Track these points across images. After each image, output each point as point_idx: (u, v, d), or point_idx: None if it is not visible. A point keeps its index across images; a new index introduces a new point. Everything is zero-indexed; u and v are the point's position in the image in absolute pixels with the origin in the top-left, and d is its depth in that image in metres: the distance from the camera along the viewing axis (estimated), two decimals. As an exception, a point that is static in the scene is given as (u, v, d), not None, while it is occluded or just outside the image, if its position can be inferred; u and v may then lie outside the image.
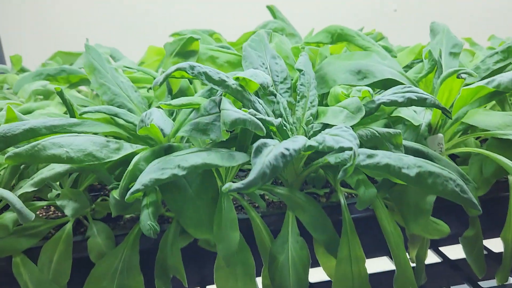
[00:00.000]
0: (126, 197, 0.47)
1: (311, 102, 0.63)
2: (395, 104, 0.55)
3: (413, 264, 0.65)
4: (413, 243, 0.64)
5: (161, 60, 0.97)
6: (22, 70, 1.01)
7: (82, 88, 0.94)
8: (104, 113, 0.59)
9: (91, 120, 0.59)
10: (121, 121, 0.63)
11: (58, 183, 0.61)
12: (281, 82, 0.66)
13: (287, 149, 0.47)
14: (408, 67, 0.84)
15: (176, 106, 0.58)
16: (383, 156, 0.50)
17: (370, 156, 0.50)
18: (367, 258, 0.57)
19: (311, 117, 0.62)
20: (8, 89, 0.94)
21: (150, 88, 0.79)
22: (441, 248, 0.77)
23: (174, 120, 0.64)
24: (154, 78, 0.77)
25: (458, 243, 0.69)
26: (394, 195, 0.60)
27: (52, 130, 0.55)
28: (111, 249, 0.56)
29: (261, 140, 0.48)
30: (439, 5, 1.96)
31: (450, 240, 0.72)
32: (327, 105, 0.67)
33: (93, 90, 0.87)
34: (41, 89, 0.80)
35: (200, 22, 1.53)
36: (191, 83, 0.75)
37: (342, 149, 0.47)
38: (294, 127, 0.62)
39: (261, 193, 0.68)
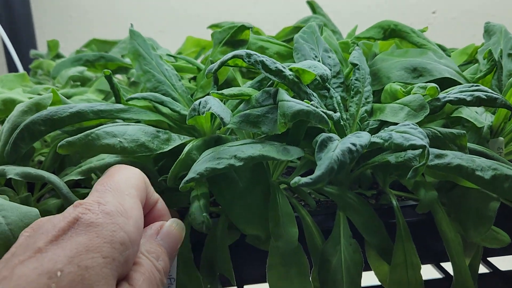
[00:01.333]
0: (181, 186, 0.44)
1: (365, 98, 0.60)
2: (462, 102, 0.52)
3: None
4: (466, 251, 0.61)
5: (197, 51, 0.95)
6: (58, 56, 0.99)
7: (118, 76, 0.92)
8: (151, 100, 0.57)
9: (137, 107, 0.56)
10: (164, 110, 0.61)
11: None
12: (334, 77, 0.63)
13: (354, 145, 0.44)
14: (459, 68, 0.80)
15: (227, 96, 0.55)
16: (453, 157, 0.46)
17: (439, 156, 0.47)
18: None
19: (365, 114, 0.59)
20: (41, 75, 0.92)
21: (192, 79, 0.77)
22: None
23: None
24: (197, 68, 0.74)
25: (508, 254, 0.65)
26: (452, 200, 0.56)
27: (99, 115, 0.53)
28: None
29: (325, 134, 0.45)
30: (478, 8, 1.90)
31: (501, 250, 0.68)
32: (380, 103, 0.64)
33: (130, 78, 0.85)
34: (78, 75, 0.78)
35: (234, 16, 1.51)
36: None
37: (413, 147, 0.44)
38: (348, 124, 0.59)
39: (308, 191, 0.65)
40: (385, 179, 0.62)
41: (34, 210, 0.42)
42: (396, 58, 0.67)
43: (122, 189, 0.38)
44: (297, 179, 0.39)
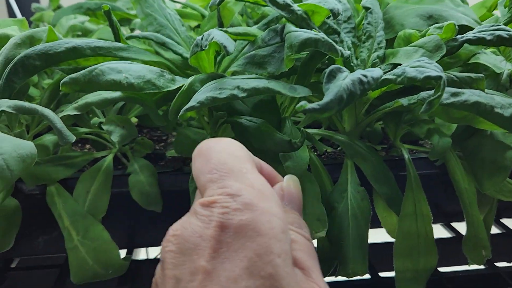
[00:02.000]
0: (180, 114, 0.42)
1: (378, 44, 0.57)
2: (482, 42, 0.48)
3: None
4: (481, 207, 0.58)
5: (206, 5, 0.92)
6: (59, 8, 0.96)
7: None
8: (152, 40, 0.54)
9: (137, 47, 0.54)
10: (166, 54, 0.58)
11: (101, 112, 0.56)
12: (345, 22, 0.60)
13: (365, 76, 0.41)
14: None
15: (232, 34, 0.52)
16: (471, 94, 0.43)
17: (455, 94, 0.44)
18: None
19: (377, 60, 0.56)
20: (44, 29, 0.89)
21: (197, 27, 0.74)
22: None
23: (223, 57, 0.58)
24: (202, 15, 0.72)
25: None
26: (467, 150, 0.53)
27: (97, 51, 0.50)
28: (155, 188, 0.52)
29: (334, 66, 0.42)
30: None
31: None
32: (393, 50, 0.61)
33: (133, 30, 0.82)
34: (80, 25, 0.76)
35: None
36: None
37: (428, 79, 0.41)
38: (359, 69, 0.56)
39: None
40: (396, 131, 0.60)
41: (29, 143, 0.39)
42: (410, 5, 0.63)
43: (238, 168, 0.32)
44: (303, 103, 0.36)
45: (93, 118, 0.55)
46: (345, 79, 0.39)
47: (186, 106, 0.41)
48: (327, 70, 0.41)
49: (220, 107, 0.51)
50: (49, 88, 0.53)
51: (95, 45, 0.50)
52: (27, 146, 0.38)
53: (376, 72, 0.43)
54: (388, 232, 0.53)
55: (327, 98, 0.37)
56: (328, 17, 0.57)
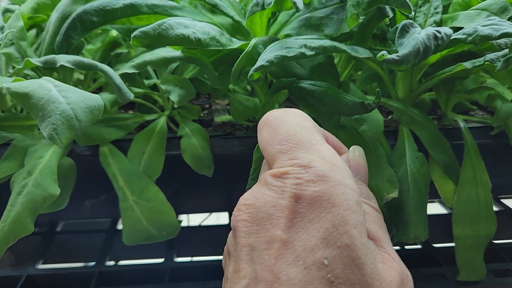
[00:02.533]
0: (250, 73, 0.40)
1: (434, 8, 0.55)
2: (552, 3, 0.47)
3: None
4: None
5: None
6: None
7: None
8: (204, 1, 0.53)
9: (191, 7, 0.53)
10: (216, 18, 0.57)
11: (153, 72, 0.55)
12: (399, -14, 0.58)
13: (439, 32, 0.40)
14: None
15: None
16: (546, 54, 0.42)
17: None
18: None
19: (434, 24, 0.54)
20: None
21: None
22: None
23: (273, 22, 0.57)
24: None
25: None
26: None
27: (154, 9, 0.49)
28: (207, 151, 0.51)
29: (407, 21, 0.41)
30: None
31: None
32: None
33: None
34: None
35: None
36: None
37: (505, 36, 0.40)
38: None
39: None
40: (448, 99, 0.58)
41: (96, 95, 0.38)
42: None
43: (308, 139, 0.31)
44: (383, 52, 0.35)
45: (144, 80, 0.55)
46: (420, 33, 0.38)
47: (255, 66, 0.40)
48: (400, 25, 0.40)
49: (277, 73, 0.50)
50: (101, 49, 0.53)
51: (152, 2, 0.49)
52: (95, 98, 0.37)
53: (448, 30, 0.42)
54: (445, 200, 0.51)
55: (405, 50, 0.36)
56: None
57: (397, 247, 0.59)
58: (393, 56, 0.35)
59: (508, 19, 0.49)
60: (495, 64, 0.44)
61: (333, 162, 0.30)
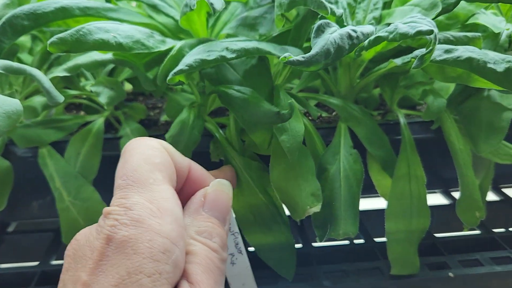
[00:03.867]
0: (168, 78, 0.41)
1: (374, 4, 0.55)
2: (479, -1, 0.47)
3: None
4: (476, 172, 0.57)
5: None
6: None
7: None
8: (143, 1, 0.53)
9: (128, 9, 0.53)
10: (159, 18, 0.57)
11: (91, 74, 0.56)
12: (340, -17, 0.59)
13: (354, 31, 0.40)
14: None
15: (223, -5, 0.51)
16: (464, 50, 0.42)
17: (448, 51, 0.43)
18: None
19: (373, 21, 0.54)
20: None
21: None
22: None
23: (217, 21, 0.57)
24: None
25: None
26: (464, 113, 0.52)
27: (86, 12, 0.49)
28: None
29: (323, 20, 0.41)
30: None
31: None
32: (390, 12, 0.59)
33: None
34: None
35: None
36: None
37: (419, 34, 0.40)
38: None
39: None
40: (393, 95, 0.59)
41: (15, 100, 0.39)
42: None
43: (145, 178, 0.31)
44: (287, 55, 0.35)
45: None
46: (333, 33, 0.39)
47: (174, 70, 0.40)
48: (315, 25, 0.40)
49: (210, 75, 0.50)
50: (40, 52, 0.53)
51: (84, 5, 0.49)
52: (13, 103, 0.38)
53: (366, 28, 0.42)
54: (382, 195, 0.52)
55: (313, 50, 0.36)
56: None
57: (346, 242, 0.60)
58: (298, 57, 0.35)
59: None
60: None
61: (159, 206, 0.30)
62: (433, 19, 0.51)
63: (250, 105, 0.42)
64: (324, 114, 0.60)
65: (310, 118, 0.59)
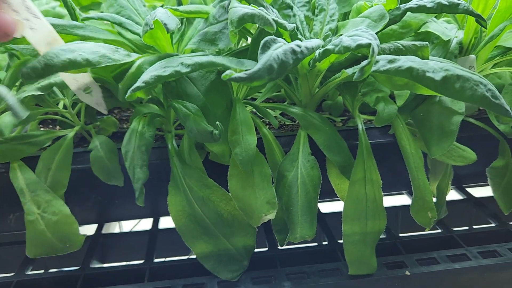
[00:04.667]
0: (127, 95, 0.43)
1: (330, 16, 0.58)
2: (423, 9, 0.50)
3: (434, 199, 0.61)
4: (434, 174, 0.60)
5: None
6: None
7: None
8: (108, 20, 0.56)
9: (94, 26, 0.55)
10: (128, 35, 0.59)
11: (61, 92, 0.58)
12: (299, -4, 0.61)
13: (299, 46, 0.42)
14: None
15: (183, 13, 0.54)
16: (406, 60, 0.45)
17: (391, 61, 0.46)
18: (384, 194, 0.53)
19: (329, 32, 0.57)
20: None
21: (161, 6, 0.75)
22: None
23: (182, 36, 0.60)
24: (165, -4, 0.73)
25: (484, 181, 0.64)
26: (417, 117, 0.55)
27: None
28: (114, 162, 0.54)
29: (270, 37, 0.43)
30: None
31: (476, 178, 0.67)
32: (348, 23, 0.62)
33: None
34: (52, 11, 0.77)
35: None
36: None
37: (359, 47, 0.42)
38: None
39: (275, 115, 0.64)
40: (353, 101, 0.61)
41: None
42: (367, -22, 0.64)
43: None
44: (228, 72, 0.37)
45: (53, 99, 0.57)
46: (277, 49, 0.41)
47: (132, 87, 0.42)
48: (262, 41, 0.43)
49: (171, 89, 0.52)
50: (11, 70, 0.55)
51: (51, 22, 0.51)
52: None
53: (312, 42, 0.44)
54: (341, 198, 0.54)
55: (256, 67, 0.39)
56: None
57: (313, 244, 0.62)
58: (241, 74, 0.38)
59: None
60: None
61: None
62: (383, 29, 0.54)
63: (191, 122, 0.45)
64: (288, 122, 0.63)
65: (272, 127, 0.62)
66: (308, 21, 0.59)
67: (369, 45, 0.41)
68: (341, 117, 0.67)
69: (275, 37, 0.43)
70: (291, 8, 0.58)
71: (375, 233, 0.51)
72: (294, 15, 0.57)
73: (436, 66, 0.44)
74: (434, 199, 0.60)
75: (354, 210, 0.51)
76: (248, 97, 0.60)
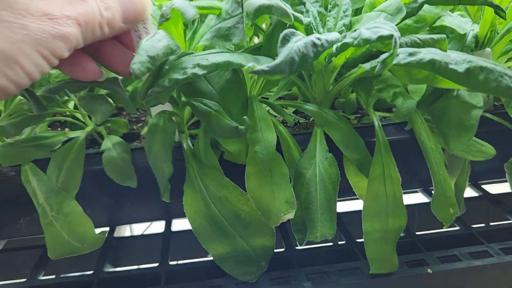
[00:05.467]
0: (145, 100, 0.42)
1: (344, 12, 0.57)
2: (441, 1, 0.49)
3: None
4: (452, 170, 0.59)
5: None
6: None
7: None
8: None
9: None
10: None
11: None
12: (312, -8, 0.60)
13: (319, 39, 0.42)
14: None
15: (196, 8, 0.53)
16: (427, 53, 0.44)
17: (412, 54, 0.45)
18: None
19: (343, 28, 0.56)
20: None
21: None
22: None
23: (194, 34, 0.59)
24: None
25: (501, 177, 0.63)
26: (435, 113, 0.54)
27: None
28: (128, 163, 0.53)
29: (289, 30, 0.42)
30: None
31: (493, 174, 0.67)
32: (361, 18, 0.61)
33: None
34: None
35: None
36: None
37: (381, 39, 0.41)
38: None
39: (289, 113, 0.63)
40: (367, 98, 0.60)
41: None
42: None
43: None
44: (251, 64, 0.37)
45: (63, 99, 0.56)
46: (297, 42, 0.40)
47: (149, 92, 0.41)
48: (282, 34, 0.42)
49: (186, 88, 0.52)
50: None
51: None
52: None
53: (331, 35, 0.43)
54: (360, 196, 0.53)
55: (277, 60, 0.38)
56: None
57: (329, 243, 0.61)
58: (263, 67, 0.37)
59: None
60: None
61: None
62: (399, 23, 0.53)
63: (213, 119, 0.44)
64: (302, 120, 0.62)
65: (287, 125, 0.61)
66: (321, 17, 0.58)
67: (391, 36, 0.40)
68: (355, 114, 0.66)
69: (294, 30, 0.42)
70: (304, 4, 0.57)
71: (396, 230, 0.50)
72: (308, 11, 0.56)
73: (458, 58, 0.43)
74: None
75: (374, 208, 0.50)
76: (261, 96, 0.59)
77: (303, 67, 0.40)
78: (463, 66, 0.42)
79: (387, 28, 0.42)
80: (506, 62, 0.61)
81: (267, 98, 0.66)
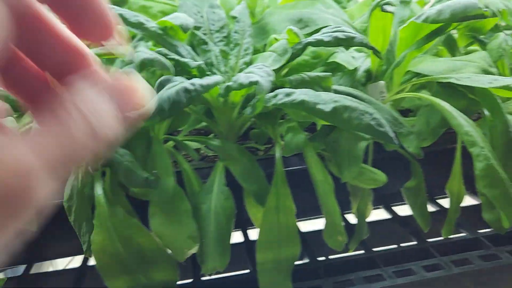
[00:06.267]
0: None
1: (245, 50, 0.60)
2: (321, 43, 0.52)
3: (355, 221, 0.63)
4: (355, 196, 0.62)
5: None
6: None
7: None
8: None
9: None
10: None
11: None
12: (217, 31, 0.63)
13: (193, 84, 0.44)
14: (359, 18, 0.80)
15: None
16: (300, 94, 0.47)
17: (288, 95, 0.48)
18: (305, 217, 0.54)
19: (244, 65, 0.59)
20: None
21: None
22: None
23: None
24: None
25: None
26: (329, 144, 0.57)
27: None
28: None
29: (165, 77, 0.45)
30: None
31: (400, 197, 0.70)
32: (265, 55, 0.64)
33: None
34: None
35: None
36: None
37: (250, 84, 0.44)
38: (227, 76, 0.59)
39: (197, 148, 0.66)
40: (274, 130, 0.63)
41: None
42: (284, 11, 0.67)
43: None
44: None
45: None
46: (169, 89, 0.43)
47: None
48: (157, 82, 0.44)
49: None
50: None
51: None
52: None
53: (208, 80, 0.46)
54: (258, 227, 0.56)
55: (145, 109, 0.40)
56: (199, 29, 0.61)
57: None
58: (128, 116, 0.39)
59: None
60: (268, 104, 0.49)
61: None
62: (287, 60, 0.56)
63: (125, 170, 0.47)
64: (210, 154, 0.64)
65: (190, 159, 0.63)
66: (224, 56, 0.61)
67: (256, 82, 0.43)
68: (267, 144, 0.69)
69: (170, 77, 0.45)
70: (206, 43, 0.60)
71: (289, 259, 0.52)
72: (210, 51, 0.59)
73: (327, 98, 0.46)
74: (355, 221, 0.62)
75: (267, 239, 0.52)
76: (169, 133, 0.62)
77: (177, 111, 0.43)
78: (330, 105, 0.45)
79: (259, 73, 0.45)
80: (409, 90, 0.65)
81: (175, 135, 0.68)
